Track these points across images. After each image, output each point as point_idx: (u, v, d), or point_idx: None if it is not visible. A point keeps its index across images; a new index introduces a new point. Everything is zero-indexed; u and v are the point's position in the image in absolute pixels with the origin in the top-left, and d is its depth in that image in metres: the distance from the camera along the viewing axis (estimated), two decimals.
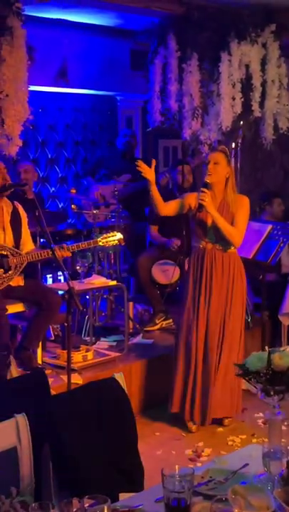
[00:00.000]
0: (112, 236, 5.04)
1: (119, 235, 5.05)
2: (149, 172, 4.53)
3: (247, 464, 2.34)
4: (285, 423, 4.92)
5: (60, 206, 7.45)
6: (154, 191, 4.62)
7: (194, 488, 2.20)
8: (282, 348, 2.31)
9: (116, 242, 5.05)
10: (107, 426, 2.70)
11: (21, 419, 2.44)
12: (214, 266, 4.76)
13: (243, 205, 4.77)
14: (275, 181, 8.06)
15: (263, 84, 6.03)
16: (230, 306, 4.81)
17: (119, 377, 2.84)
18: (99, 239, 5.03)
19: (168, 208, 4.84)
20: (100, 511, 1.81)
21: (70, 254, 4.97)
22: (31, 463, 2.45)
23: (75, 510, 1.80)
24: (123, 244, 5.35)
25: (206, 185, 4.62)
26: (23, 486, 2.39)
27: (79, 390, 2.86)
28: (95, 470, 2.60)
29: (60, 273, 5.89)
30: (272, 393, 2.21)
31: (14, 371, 4.06)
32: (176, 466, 2.07)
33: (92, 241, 5.05)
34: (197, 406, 4.80)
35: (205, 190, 4.59)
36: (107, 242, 5.02)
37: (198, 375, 4.79)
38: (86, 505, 1.81)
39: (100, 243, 5.01)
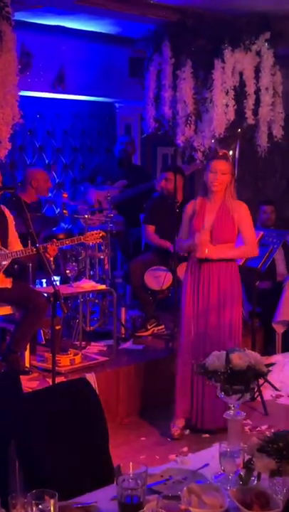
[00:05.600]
0: (96, 234, 5.20)
1: (102, 233, 5.27)
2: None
3: (207, 464, 2.34)
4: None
5: (56, 212, 7.48)
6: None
7: (151, 486, 2.21)
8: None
9: (100, 239, 5.29)
10: (76, 425, 2.69)
11: None
12: (211, 272, 4.74)
13: (245, 215, 4.75)
14: (276, 190, 8.05)
15: (257, 91, 6.04)
16: (223, 314, 4.79)
17: (90, 377, 2.84)
18: (83, 236, 5.15)
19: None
20: (47, 506, 1.81)
21: (57, 249, 5.02)
22: None
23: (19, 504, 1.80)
24: (101, 241, 5.50)
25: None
26: None
27: (48, 389, 2.87)
28: (62, 469, 2.60)
29: (55, 277, 5.93)
30: (230, 392, 2.21)
31: None
32: (131, 464, 2.08)
33: (75, 238, 5.17)
34: (207, 413, 4.75)
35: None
36: (91, 239, 5.15)
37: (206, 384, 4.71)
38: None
39: (84, 240, 5.14)
